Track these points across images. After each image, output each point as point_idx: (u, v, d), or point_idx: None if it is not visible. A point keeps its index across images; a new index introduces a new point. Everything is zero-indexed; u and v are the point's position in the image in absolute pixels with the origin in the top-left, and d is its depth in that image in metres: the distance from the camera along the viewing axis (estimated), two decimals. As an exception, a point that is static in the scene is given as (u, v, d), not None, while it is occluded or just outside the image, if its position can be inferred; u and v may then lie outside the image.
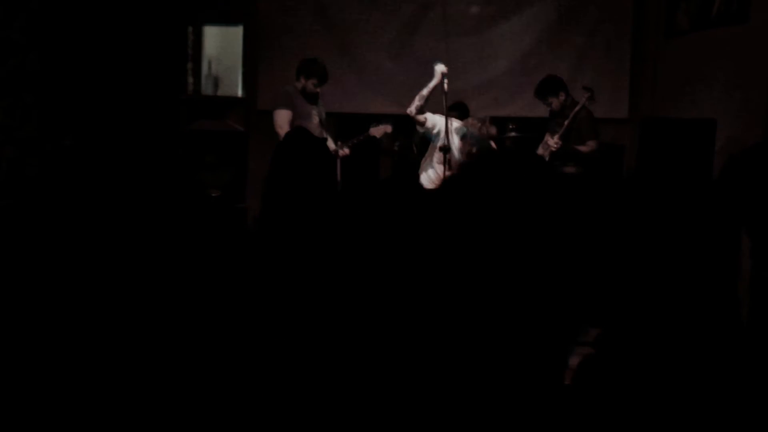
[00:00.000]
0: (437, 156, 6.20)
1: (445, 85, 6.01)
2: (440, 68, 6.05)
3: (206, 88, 8.95)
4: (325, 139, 6.20)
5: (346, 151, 6.40)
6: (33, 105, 5.87)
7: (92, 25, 6.69)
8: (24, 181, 5.07)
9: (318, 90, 6.35)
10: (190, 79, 8.73)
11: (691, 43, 6.51)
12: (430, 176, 6.30)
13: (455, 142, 6.22)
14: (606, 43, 7.63)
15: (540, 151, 6.33)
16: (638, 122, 7.25)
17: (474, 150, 6.15)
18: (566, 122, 6.11)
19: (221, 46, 8.97)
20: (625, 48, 7.61)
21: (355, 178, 7.23)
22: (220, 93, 8.98)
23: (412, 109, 6.13)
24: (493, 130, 6.20)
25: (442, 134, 6.09)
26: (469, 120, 6.38)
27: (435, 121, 6.16)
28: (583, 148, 6.12)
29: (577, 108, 6.14)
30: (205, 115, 6.32)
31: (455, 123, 6.28)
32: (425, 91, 6.08)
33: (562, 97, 6.23)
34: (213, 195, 5.47)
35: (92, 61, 6.57)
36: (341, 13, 7.71)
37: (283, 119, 6.19)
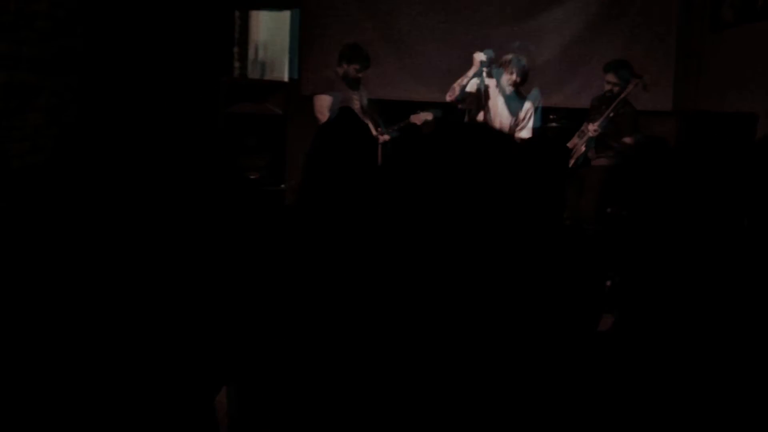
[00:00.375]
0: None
1: (485, 74, 6.00)
2: (478, 56, 6.03)
3: (253, 73, 9.05)
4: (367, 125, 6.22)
5: (386, 137, 6.44)
6: (79, 87, 6.00)
7: (139, 8, 6.81)
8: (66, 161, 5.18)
9: (360, 75, 6.40)
10: (237, 64, 8.84)
11: (737, 36, 6.42)
12: None
13: (499, 104, 6.19)
14: (651, 35, 7.53)
15: (575, 139, 6.31)
16: (677, 115, 7.18)
17: (516, 78, 6.08)
18: (608, 110, 6.05)
19: (270, 31, 9.07)
20: (670, 40, 7.51)
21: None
22: (266, 78, 9.09)
23: (452, 98, 6.15)
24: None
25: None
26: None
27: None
28: (622, 143, 6.06)
29: (623, 95, 6.05)
30: (246, 98, 6.39)
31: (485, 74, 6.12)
32: (464, 80, 6.08)
33: (634, 83, 6.12)
34: (251, 177, 5.55)
35: (137, 44, 6.69)
36: (386, 1, 7.73)
37: (323, 105, 6.25)
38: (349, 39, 6.86)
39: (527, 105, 6.22)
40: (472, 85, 6.07)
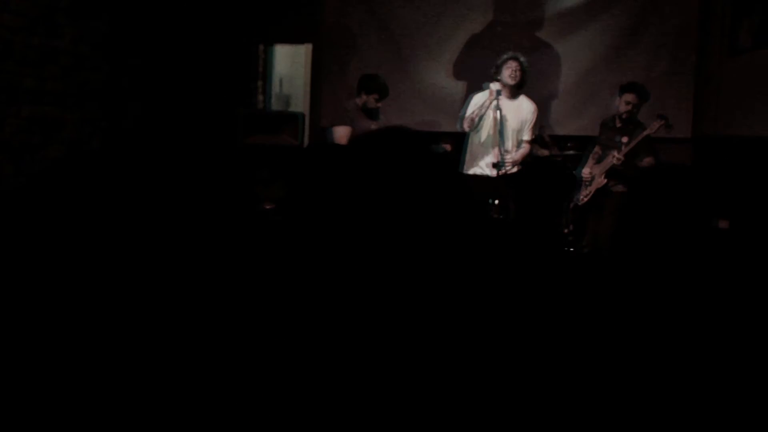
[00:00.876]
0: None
1: (499, 104, 6.06)
2: (494, 86, 6.10)
3: (277, 106, 9.16)
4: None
5: None
6: (101, 119, 6.12)
7: (162, 42, 6.94)
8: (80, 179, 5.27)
9: (379, 105, 6.48)
10: (260, 97, 8.96)
11: (754, 61, 6.39)
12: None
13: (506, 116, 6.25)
14: (670, 61, 7.53)
15: (590, 165, 6.30)
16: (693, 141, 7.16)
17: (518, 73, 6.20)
18: (633, 142, 6.02)
19: (293, 65, 9.19)
20: (688, 67, 7.50)
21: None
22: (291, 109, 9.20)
23: (464, 126, 6.25)
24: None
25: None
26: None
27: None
28: (643, 164, 6.04)
29: (646, 132, 6.01)
30: (263, 130, 6.49)
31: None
32: (482, 110, 6.15)
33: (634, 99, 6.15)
34: (267, 208, 5.60)
35: (161, 77, 6.82)
36: (403, 30, 7.82)
37: (342, 135, 6.32)
38: (366, 70, 6.96)
39: (533, 107, 6.33)
40: (489, 112, 6.17)
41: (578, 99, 7.59)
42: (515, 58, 6.20)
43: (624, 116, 6.19)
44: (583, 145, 6.88)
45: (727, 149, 6.23)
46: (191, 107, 7.03)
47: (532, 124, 6.40)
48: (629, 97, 6.17)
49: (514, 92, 6.28)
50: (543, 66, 7.60)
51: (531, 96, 6.43)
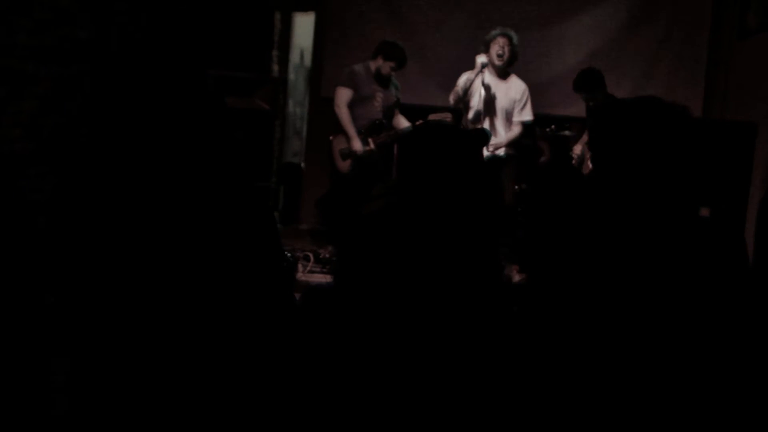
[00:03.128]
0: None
1: (485, 77, 5.90)
2: (480, 59, 5.94)
3: (297, 77, 9.09)
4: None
5: (395, 133, 6.38)
6: (84, 77, 6.11)
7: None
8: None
9: (392, 74, 6.34)
10: (276, 67, 8.88)
11: (761, 44, 6.13)
12: None
13: (496, 95, 6.12)
14: (681, 44, 7.29)
15: (582, 140, 6.14)
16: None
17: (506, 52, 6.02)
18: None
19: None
20: (700, 52, 7.25)
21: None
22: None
23: (450, 99, 6.11)
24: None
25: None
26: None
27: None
28: None
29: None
30: (234, 93, 6.40)
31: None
32: (467, 84, 6.00)
33: (601, 95, 5.96)
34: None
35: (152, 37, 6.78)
36: (409, 3, 7.67)
37: (341, 98, 6.24)
38: (371, 42, 6.82)
39: (523, 87, 6.11)
40: (474, 86, 6.00)
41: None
42: (504, 35, 5.98)
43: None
44: (583, 127, 6.70)
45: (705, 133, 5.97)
46: (187, 70, 6.97)
47: (523, 105, 6.18)
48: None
49: (503, 71, 6.08)
50: (548, 46, 7.39)
51: (536, 75, 6.25)
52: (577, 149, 6.14)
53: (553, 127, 6.71)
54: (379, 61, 6.26)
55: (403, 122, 6.49)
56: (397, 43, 6.34)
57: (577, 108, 7.24)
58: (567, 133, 6.63)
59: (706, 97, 7.24)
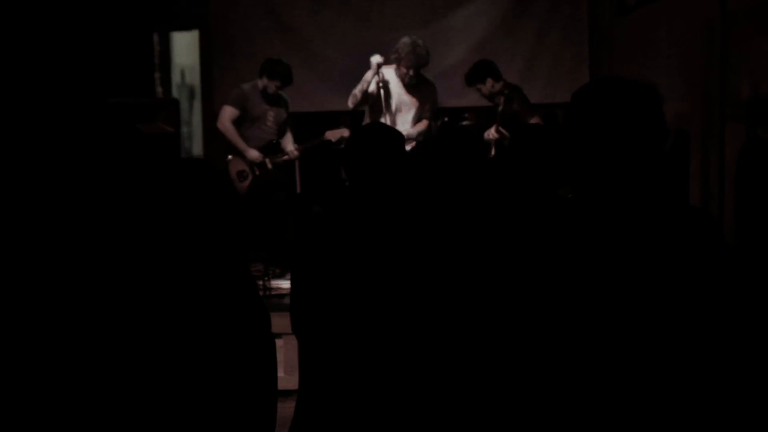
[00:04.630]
0: None
1: (381, 76, 5.92)
2: (375, 59, 5.95)
3: (181, 97, 8.91)
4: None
5: (297, 153, 6.35)
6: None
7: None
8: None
9: (279, 92, 6.29)
10: (159, 88, 8.68)
11: (639, 19, 6.38)
12: None
13: (401, 98, 6.12)
14: (563, 26, 7.52)
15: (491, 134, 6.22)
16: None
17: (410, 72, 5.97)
18: (499, 109, 5.96)
19: (195, 54, 8.91)
20: (582, 28, 7.50)
21: (317, 180, 7.18)
22: (196, 101, 8.95)
23: (349, 103, 6.10)
24: None
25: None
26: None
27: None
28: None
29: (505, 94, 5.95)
30: (137, 119, 6.22)
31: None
32: (364, 85, 6.00)
33: (490, 83, 6.05)
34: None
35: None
36: (291, 11, 7.65)
37: (225, 115, 6.23)
38: (259, 54, 6.75)
39: (431, 88, 6.16)
40: (372, 86, 5.99)
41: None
42: (403, 56, 5.96)
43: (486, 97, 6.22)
44: (481, 116, 6.79)
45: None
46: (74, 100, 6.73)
47: (432, 103, 6.24)
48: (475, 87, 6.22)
49: (417, 74, 6.09)
50: (437, 40, 7.48)
51: (428, 70, 6.27)
52: (490, 133, 6.17)
53: (446, 119, 6.76)
54: (265, 81, 6.22)
55: (289, 142, 6.44)
56: (281, 61, 6.29)
57: (470, 98, 7.35)
58: (465, 123, 6.70)
59: (591, 73, 7.47)
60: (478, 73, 6.12)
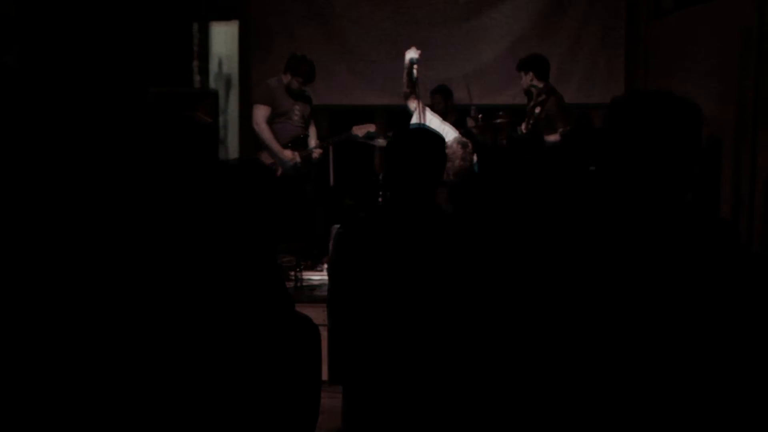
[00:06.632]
0: None
1: (415, 72, 5.93)
2: (408, 54, 5.96)
3: (218, 86, 8.99)
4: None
5: (320, 151, 6.39)
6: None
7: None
8: None
9: (303, 89, 6.35)
10: (197, 77, 8.78)
11: (676, 22, 6.37)
12: None
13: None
14: (600, 27, 7.51)
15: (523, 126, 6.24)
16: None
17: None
18: (536, 110, 5.97)
19: (233, 44, 9.01)
20: (619, 32, 7.49)
21: (350, 174, 7.24)
22: (233, 90, 9.04)
23: (406, 102, 6.12)
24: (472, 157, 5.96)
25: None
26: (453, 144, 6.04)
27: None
28: (552, 137, 5.93)
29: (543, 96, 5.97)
30: (178, 108, 6.33)
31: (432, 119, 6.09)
32: (404, 78, 6.03)
33: (530, 76, 6.06)
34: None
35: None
36: (330, 4, 7.71)
37: (259, 115, 6.24)
38: (296, 46, 6.82)
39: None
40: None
41: (507, 69, 7.42)
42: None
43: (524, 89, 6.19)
44: (514, 115, 6.80)
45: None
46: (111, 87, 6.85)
47: None
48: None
49: None
50: (474, 37, 7.51)
51: (462, 67, 6.32)
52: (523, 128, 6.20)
53: (480, 116, 6.79)
54: (288, 77, 6.27)
55: (313, 138, 6.50)
56: (305, 57, 6.31)
57: (504, 96, 7.39)
58: (499, 120, 6.72)
59: (627, 74, 7.47)
60: (529, 63, 6.13)
